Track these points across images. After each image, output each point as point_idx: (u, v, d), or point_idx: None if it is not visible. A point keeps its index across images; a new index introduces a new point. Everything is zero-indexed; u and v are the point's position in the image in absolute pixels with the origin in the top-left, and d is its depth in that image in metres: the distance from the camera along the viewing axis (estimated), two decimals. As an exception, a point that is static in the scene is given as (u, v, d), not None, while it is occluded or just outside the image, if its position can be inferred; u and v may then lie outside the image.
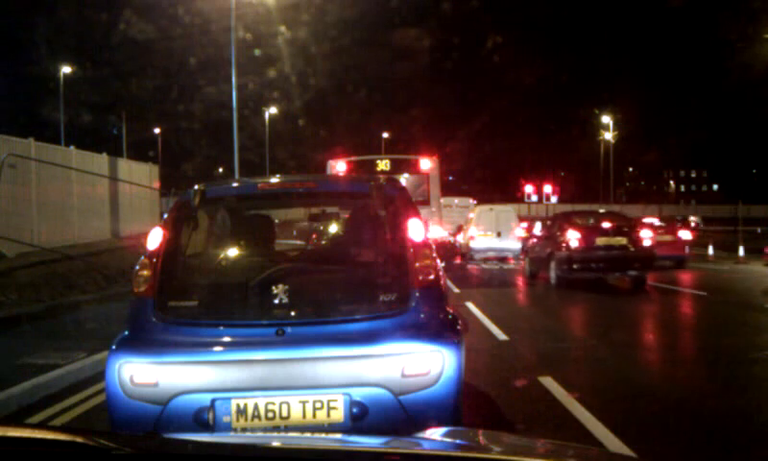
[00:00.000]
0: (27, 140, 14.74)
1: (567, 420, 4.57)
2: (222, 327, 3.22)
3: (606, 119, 48.07)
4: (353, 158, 14.98)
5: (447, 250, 21.30)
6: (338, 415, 3.02)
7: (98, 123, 51.66)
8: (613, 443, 4.05)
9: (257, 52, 33.36)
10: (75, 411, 5.06)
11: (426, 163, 14.61)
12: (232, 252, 3.84)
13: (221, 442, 1.93)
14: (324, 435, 2.72)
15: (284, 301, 3.25)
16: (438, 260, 3.51)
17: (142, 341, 3.20)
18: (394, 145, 50.50)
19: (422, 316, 3.26)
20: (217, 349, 3.13)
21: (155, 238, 3.39)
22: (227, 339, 3.17)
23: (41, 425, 4.39)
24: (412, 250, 3.33)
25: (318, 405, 3.02)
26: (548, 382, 5.48)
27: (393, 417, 3.02)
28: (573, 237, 13.09)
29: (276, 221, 5.09)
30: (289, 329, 3.16)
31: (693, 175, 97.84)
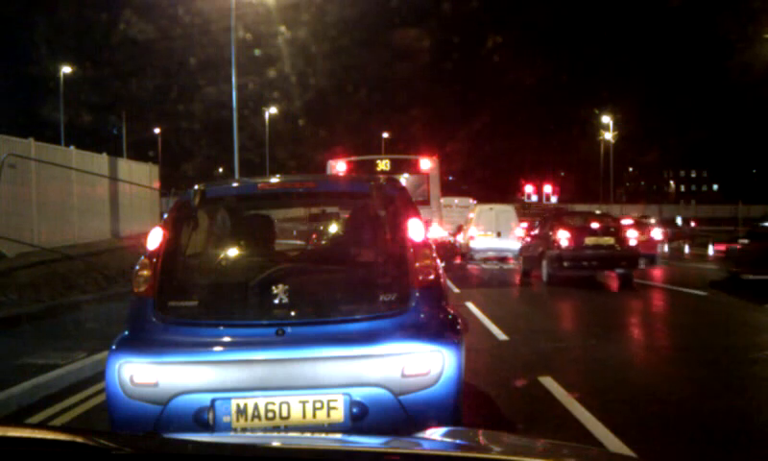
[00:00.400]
0: (27, 140, 14.75)
1: (567, 420, 4.57)
2: (222, 327, 3.22)
3: (606, 119, 48.06)
4: (353, 159, 14.97)
5: (447, 250, 21.28)
6: (338, 415, 3.02)
7: (98, 123, 51.67)
8: (613, 443, 4.05)
9: (257, 52, 33.37)
10: (75, 411, 5.06)
11: (426, 163, 14.60)
12: (232, 252, 3.84)
13: (221, 442, 1.93)
14: (324, 435, 2.72)
15: (284, 301, 3.25)
16: (438, 260, 3.51)
17: (142, 341, 3.20)
18: (394, 145, 50.50)
19: (422, 316, 3.26)
20: (217, 349, 3.13)
21: (155, 238, 3.39)
22: (227, 339, 3.17)
23: (41, 425, 4.39)
24: (412, 250, 3.33)
25: (318, 405, 3.02)
26: (548, 382, 5.48)
27: (393, 417, 3.02)
28: (563, 237, 13.84)
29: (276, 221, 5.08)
30: (289, 329, 3.16)
31: (693, 175, 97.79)
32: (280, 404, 3.01)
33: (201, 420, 3.00)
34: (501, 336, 7.86)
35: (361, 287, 3.44)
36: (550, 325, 9.69)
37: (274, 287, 3.26)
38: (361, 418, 3.01)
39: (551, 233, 14.32)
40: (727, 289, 12.63)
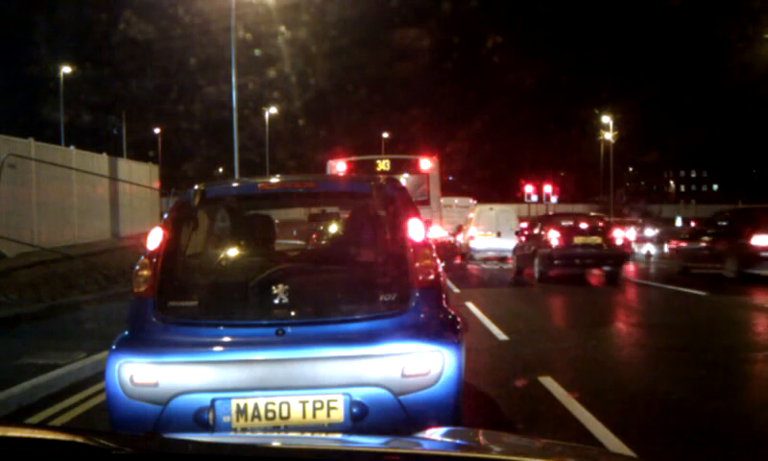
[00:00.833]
0: (27, 140, 14.74)
1: (567, 420, 4.57)
2: (222, 327, 3.22)
3: (606, 119, 48.03)
4: (353, 158, 14.98)
5: (447, 250, 21.30)
6: (338, 415, 3.02)
7: (98, 123, 51.63)
8: (613, 443, 4.05)
9: (257, 52, 33.36)
10: (75, 411, 5.06)
11: (426, 163, 14.61)
12: (232, 252, 3.84)
13: (221, 442, 1.93)
14: (324, 435, 2.72)
15: (284, 301, 3.25)
16: (438, 260, 3.51)
17: (142, 341, 3.20)
18: (394, 145, 50.44)
19: (422, 316, 3.26)
20: (217, 349, 3.13)
21: (155, 238, 3.40)
22: (227, 339, 3.17)
23: (41, 425, 4.39)
24: (412, 250, 3.33)
25: (318, 405, 3.02)
26: (548, 382, 5.47)
27: (393, 417, 3.02)
28: (554, 237, 14.64)
29: (276, 221, 5.08)
30: (289, 329, 3.16)
31: (693, 175, 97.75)
32: (280, 404, 3.01)
33: (201, 420, 3.01)
34: (501, 336, 7.86)
35: (361, 287, 3.44)
36: (550, 324, 9.69)
37: (274, 287, 3.27)
38: (361, 418, 3.01)
39: (542, 233, 15.12)
40: (725, 289, 12.70)
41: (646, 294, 13.65)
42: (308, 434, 2.65)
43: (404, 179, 13.24)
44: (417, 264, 3.30)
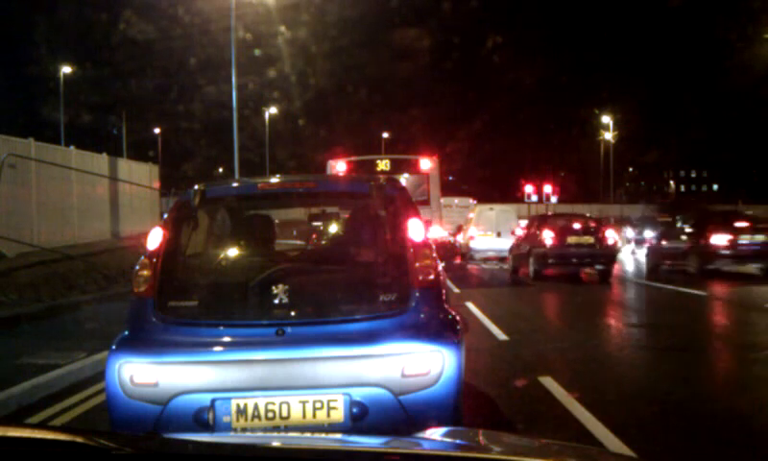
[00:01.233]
0: (27, 140, 14.73)
1: (567, 420, 4.57)
2: (222, 328, 3.22)
3: (606, 119, 48.06)
4: (353, 158, 14.96)
5: (447, 250, 21.27)
6: (338, 415, 3.02)
7: (98, 123, 51.59)
8: (613, 443, 4.05)
9: (257, 52, 33.37)
10: (75, 411, 5.06)
11: (426, 163, 14.60)
12: (232, 252, 3.84)
13: (221, 442, 1.93)
14: (324, 435, 2.72)
15: (284, 301, 3.25)
16: (438, 260, 3.51)
17: (142, 341, 3.20)
18: (394, 145, 50.47)
19: (422, 316, 3.26)
20: (217, 349, 3.13)
21: (155, 238, 3.40)
22: (227, 339, 3.17)
23: (41, 425, 4.39)
24: (412, 250, 3.33)
25: (318, 405, 3.02)
26: (548, 382, 5.47)
27: (393, 417, 3.02)
28: (548, 236, 15.08)
29: (276, 221, 5.08)
30: (289, 329, 3.16)
31: (693, 175, 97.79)
32: (280, 404, 3.01)
33: (201, 420, 3.00)
34: (501, 336, 7.87)
35: (361, 287, 3.44)
36: (550, 324, 9.70)
37: (274, 287, 3.26)
38: (361, 418, 3.01)
39: (537, 233, 15.54)
40: (724, 288, 12.74)
41: (642, 292, 13.72)
42: (308, 434, 2.65)
43: (404, 179, 13.23)
44: (417, 264, 3.30)
